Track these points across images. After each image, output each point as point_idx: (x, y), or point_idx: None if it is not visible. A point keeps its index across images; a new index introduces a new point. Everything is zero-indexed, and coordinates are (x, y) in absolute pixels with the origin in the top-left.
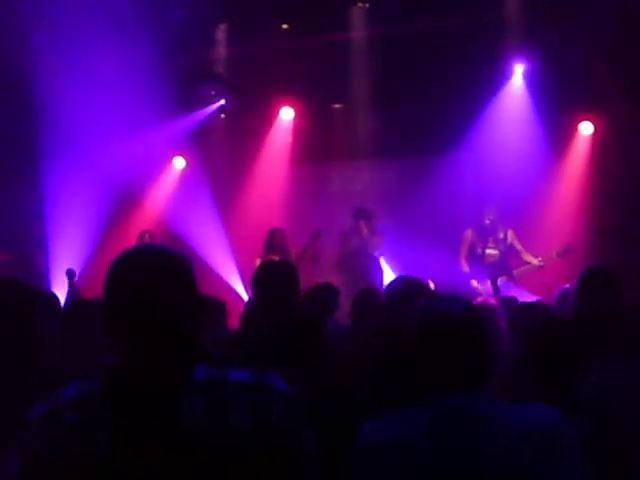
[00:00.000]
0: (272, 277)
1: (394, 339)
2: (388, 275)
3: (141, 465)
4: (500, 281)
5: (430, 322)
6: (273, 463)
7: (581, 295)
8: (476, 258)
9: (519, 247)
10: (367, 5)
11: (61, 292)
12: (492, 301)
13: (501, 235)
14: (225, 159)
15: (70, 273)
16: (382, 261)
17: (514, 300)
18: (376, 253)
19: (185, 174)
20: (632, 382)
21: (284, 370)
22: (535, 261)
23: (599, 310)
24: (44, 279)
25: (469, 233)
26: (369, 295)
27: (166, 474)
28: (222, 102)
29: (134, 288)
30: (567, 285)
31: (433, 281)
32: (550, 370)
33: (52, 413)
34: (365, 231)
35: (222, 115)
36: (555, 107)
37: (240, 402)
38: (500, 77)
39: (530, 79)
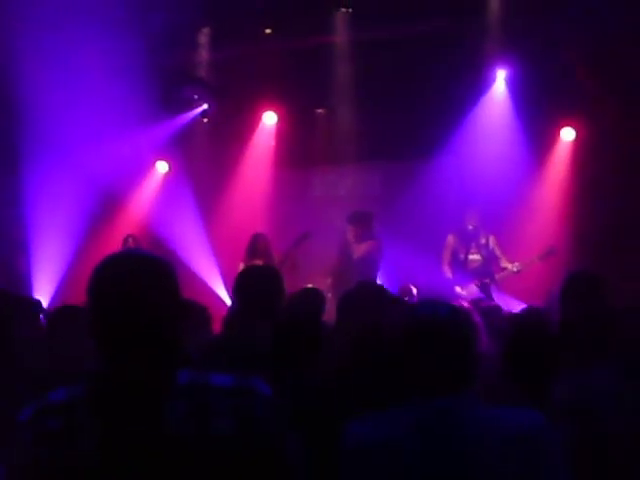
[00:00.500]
0: (254, 282)
1: (374, 337)
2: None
3: (125, 470)
4: (483, 286)
5: (414, 326)
6: (256, 467)
7: (565, 300)
8: (459, 264)
9: (498, 253)
10: (350, 10)
11: (43, 296)
12: (466, 305)
13: (483, 241)
14: (208, 163)
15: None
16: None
17: (498, 308)
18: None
19: (168, 178)
20: (617, 384)
21: (276, 373)
22: (510, 267)
23: (586, 314)
24: (25, 283)
25: (451, 239)
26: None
27: (150, 479)
28: (205, 106)
29: (117, 293)
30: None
31: (415, 286)
32: (534, 374)
33: (37, 418)
34: (349, 236)
35: (205, 119)
36: (537, 112)
37: (223, 406)
38: (483, 82)
39: (512, 84)
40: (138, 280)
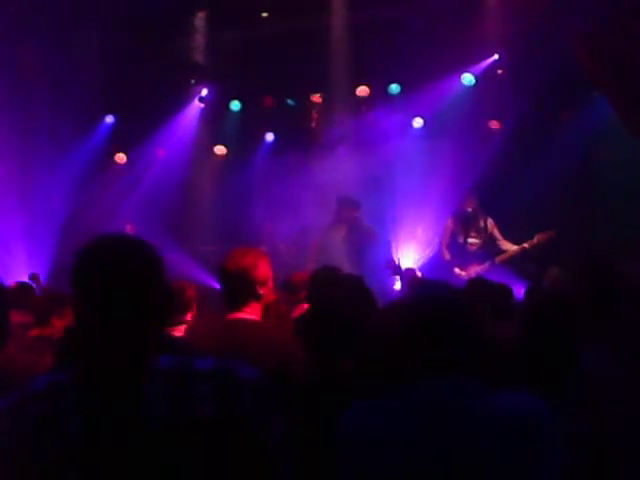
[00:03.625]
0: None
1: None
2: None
3: (107, 455)
4: (481, 269)
5: (414, 308)
6: (238, 452)
7: (578, 281)
8: (458, 247)
9: (498, 236)
10: None
11: None
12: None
13: (482, 224)
14: (205, 148)
15: (34, 277)
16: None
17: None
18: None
19: (166, 163)
20: (617, 365)
21: None
22: (514, 247)
23: (598, 295)
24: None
25: (450, 222)
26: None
27: (132, 464)
28: (203, 91)
29: (100, 277)
30: (554, 269)
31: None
32: (552, 358)
33: (18, 405)
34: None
35: (202, 104)
36: (538, 91)
37: (205, 390)
38: (480, 62)
39: (510, 64)
40: (120, 265)
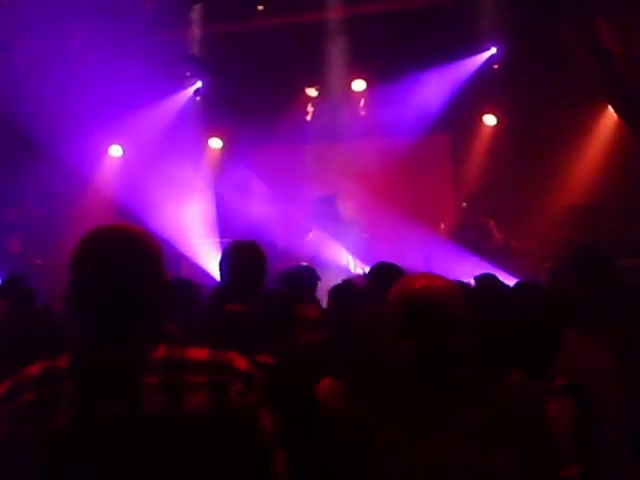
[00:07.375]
0: (241, 258)
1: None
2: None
3: (99, 443)
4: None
5: (405, 301)
6: (232, 442)
7: (577, 275)
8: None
9: (495, 235)
10: None
11: None
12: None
13: (480, 222)
14: (200, 141)
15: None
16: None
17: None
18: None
19: (161, 155)
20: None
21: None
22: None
23: (595, 291)
24: None
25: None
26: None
27: (124, 453)
28: (198, 84)
29: (99, 266)
30: (550, 264)
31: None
32: (540, 352)
33: (12, 392)
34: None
35: (197, 97)
36: (534, 87)
37: (198, 381)
38: (475, 58)
39: (504, 60)
40: (120, 254)
